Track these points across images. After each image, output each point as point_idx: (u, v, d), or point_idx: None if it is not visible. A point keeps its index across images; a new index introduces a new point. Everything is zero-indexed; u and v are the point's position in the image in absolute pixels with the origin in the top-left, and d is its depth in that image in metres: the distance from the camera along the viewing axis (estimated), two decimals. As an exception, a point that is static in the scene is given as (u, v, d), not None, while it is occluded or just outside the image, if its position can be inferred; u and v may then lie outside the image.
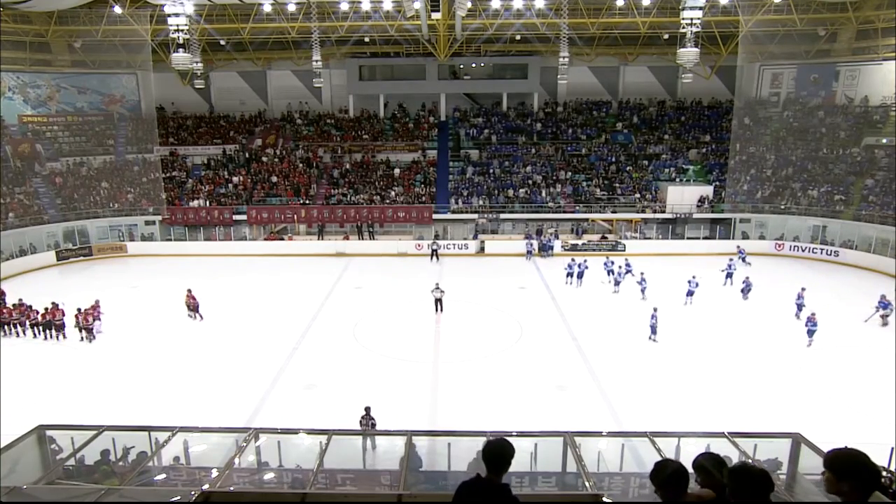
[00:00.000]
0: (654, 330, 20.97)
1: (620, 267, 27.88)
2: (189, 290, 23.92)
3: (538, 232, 35.29)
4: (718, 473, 3.51)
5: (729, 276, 27.82)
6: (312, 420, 15.15)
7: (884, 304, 22.97)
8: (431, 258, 33.48)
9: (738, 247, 32.12)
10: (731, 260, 28.49)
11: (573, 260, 28.83)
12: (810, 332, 20.50)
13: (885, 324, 22.63)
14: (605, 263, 28.69)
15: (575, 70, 39.48)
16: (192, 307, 23.51)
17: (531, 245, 33.89)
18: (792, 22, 34.71)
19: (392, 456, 7.76)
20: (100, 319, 22.08)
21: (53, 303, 22.05)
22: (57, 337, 21.74)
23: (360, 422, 14.12)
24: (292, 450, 8.55)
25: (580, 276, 28.11)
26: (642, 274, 26.33)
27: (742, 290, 25.65)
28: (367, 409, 14.37)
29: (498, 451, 3.43)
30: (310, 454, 7.97)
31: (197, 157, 40.05)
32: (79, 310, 21.73)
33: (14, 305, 22.62)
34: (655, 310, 21.18)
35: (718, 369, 18.68)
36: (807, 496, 6.75)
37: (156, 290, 27.57)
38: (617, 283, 27.24)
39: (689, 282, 25.36)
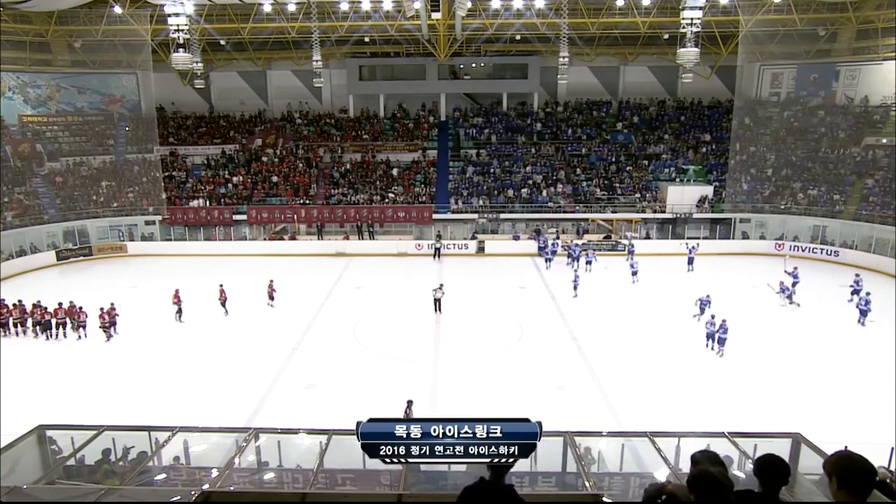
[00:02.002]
0: (714, 339, 19.69)
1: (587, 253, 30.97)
2: (220, 286, 24.65)
3: (536, 232, 35.33)
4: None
5: (690, 261, 30.08)
6: (312, 420, 15.13)
7: (783, 288, 24.75)
8: (434, 257, 33.54)
9: (630, 243, 32.53)
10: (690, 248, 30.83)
11: (546, 243, 32.57)
12: (721, 341, 19.41)
13: (795, 305, 24.28)
14: (571, 248, 31.59)
15: (575, 70, 39.47)
16: (221, 302, 24.21)
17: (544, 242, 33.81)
18: (792, 22, 34.70)
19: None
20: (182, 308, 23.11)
21: (112, 304, 22.10)
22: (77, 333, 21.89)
23: (405, 414, 14.13)
24: (292, 450, 8.54)
25: (575, 259, 30.66)
26: (576, 270, 27.11)
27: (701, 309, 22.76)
28: (410, 403, 14.33)
29: None
30: (310, 454, 7.97)
31: (197, 157, 40.05)
32: (101, 309, 21.90)
33: (60, 305, 22.28)
34: (713, 317, 20.27)
35: (719, 369, 18.68)
36: (807, 496, 6.74)
37: (156, 290, 27.52)
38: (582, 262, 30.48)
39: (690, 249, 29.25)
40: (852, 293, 24.37)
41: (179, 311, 23.41)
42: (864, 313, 22.46)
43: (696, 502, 3.07)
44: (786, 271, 25.90)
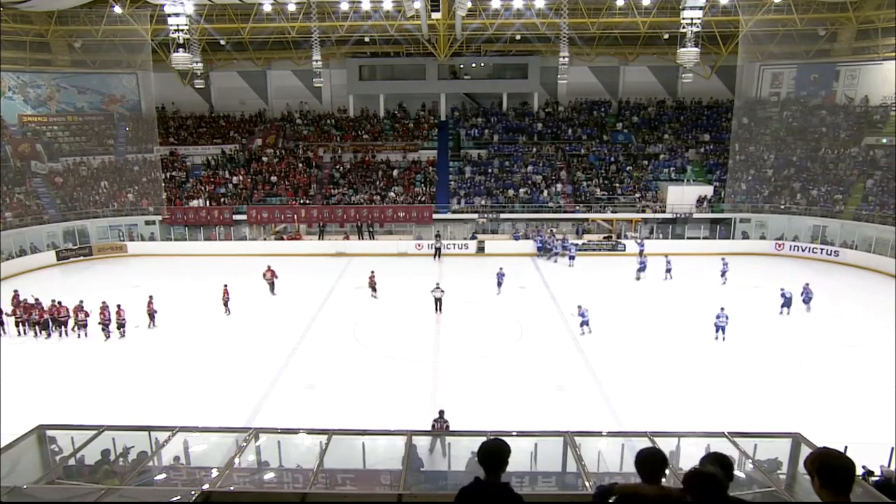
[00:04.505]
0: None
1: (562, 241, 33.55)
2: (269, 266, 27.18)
3: (536, 231, 35.34)
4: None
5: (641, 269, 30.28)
6: (312, 420, 15.15)
7: (643, 263, 28.96)
8: (434, 257, 33.55)
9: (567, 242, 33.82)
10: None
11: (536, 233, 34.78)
12: (584, 323, 21.29)
13: (637, 279, 28.78)
14: (549, 241, 33.62)
15: (575, 70, 39.44)
16: (224, 302, 24.25)
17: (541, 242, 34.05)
18: (792, 22, 34.69)
19: (392, 456, 7.77)
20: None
21: (119, 305, 22.22)
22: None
23: (433, 425, 13.86)
24: (292, 450, 8.54)
25: (549, 250, 33.25)
26: (499, 270, 27.09)
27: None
28: (441, 413, 14.06)
29: (493, 450, 3.43)
30: (310, 454, 7.97)
31: (197, 157, 40.05)
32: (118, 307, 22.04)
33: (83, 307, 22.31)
34: (723, 309, 21.14)
35: (718, 369, 18.68)
36: (807, 496, 6.74)
37: (156, 290, 27.48)
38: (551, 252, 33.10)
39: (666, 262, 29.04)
40: (722, 274, 28.09)
41: (273, 286, 26.59)
42: (788, 303, 23.88)
43: (692, 502, 3.07)
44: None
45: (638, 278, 28.95)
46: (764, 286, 27.35)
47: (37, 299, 22.64)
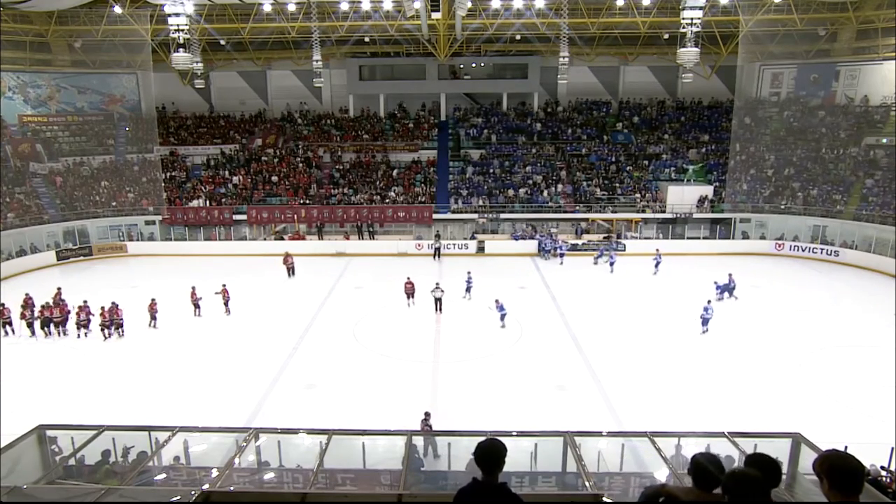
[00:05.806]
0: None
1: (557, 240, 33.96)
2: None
3: (533, 229, 35.40)
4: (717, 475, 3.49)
5: (598, 256, 32.43)
6: (312, 420, 15.15)
7: (601, 251, 31.82)
8: (434, 257, 33.55)
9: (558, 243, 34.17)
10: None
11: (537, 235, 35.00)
12: (502, 317, 22.11)
13: (594, 263, 31.52)
14: (541, 240, 34.05)
15: (575, 70, 39.47)
16: (224, 301, 24.19)
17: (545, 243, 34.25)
18: (792, 22, 34.70)
19: (392, 456, 7.77)
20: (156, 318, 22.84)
21: (114, 303, 22.22)
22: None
23: (421, 426, 13.78)
24: (292, 450, 8.54)
25: (546, 252, 33.56)
26: (467, 276, 26.30)
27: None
28: (427, 415, 14.02)
29: (489, 450, 3.42)
30: (310, 454, 7.97)
31: (197, 157, 40.06)
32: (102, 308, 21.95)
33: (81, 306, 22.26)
34: (710, 302, 21.97)
35: (718, 369, 18.68)
36: (807, 496, 6.74)
37: (156, 290, 27.49)
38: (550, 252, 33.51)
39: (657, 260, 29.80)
40: (655, 264, 29.61)
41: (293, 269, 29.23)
42: (724, 289, 25.29)
43: (730, 502, 2.99)
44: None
45: (595, 262, 31.80)
46: (763, 286, 27.37)
47: (62, 300, 22.67)
